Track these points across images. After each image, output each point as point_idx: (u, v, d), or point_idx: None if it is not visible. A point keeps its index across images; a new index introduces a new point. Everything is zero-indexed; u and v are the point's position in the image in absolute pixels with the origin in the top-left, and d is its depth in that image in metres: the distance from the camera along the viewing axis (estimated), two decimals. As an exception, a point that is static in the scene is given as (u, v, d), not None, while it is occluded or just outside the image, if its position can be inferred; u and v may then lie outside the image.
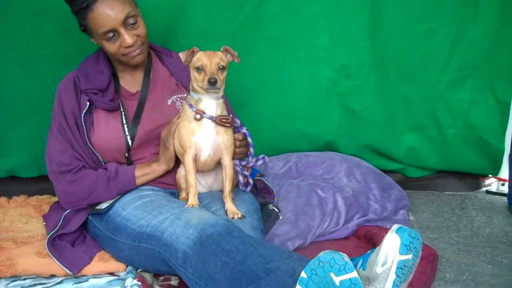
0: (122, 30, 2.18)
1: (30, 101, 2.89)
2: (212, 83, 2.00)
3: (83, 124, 2.24)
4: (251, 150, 2.27)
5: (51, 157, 2.27)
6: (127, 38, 2.19)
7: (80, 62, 2.38)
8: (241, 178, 2.25)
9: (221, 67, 2.05)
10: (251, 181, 2.30)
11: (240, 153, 2.25)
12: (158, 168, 2.27)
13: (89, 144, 2.25)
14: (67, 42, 2.75)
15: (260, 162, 2.29)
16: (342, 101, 3.13)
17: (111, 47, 2.21)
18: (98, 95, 2.25)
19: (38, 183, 3.00)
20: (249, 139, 2.25)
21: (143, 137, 2.30)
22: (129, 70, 2.39)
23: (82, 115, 2.23)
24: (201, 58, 2.05)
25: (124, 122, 2.29)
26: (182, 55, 2.09)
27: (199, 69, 2.04)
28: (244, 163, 2.28)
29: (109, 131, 2.27)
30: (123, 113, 2.30)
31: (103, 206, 2.22)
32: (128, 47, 2.22)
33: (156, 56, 2.49)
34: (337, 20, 2.96)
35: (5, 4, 2.71)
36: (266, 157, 2.30)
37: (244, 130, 2.26)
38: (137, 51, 2.25)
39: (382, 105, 3.13)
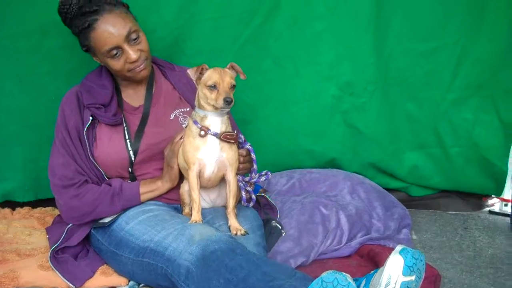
0: (125, 46, 2.19)
1: (27, 119, 2.81)
2: (229, 102, 1.99)
3: (85, 138, 2.24)
4: (255, 166, 2.27)
5: (54, 171, 2.27)
6: (132, 53, 2.21)
7: (81, 78, 2.39)
8: (243, 194, 2.26)
9: (232, 85, 2.05)
10: (253, 197, 2.30)
11: (243, 169, 2.25)
12: (162, 186, 2.28)
13: (92, 159, 2.25)
14: (69, 59, 2.72)
15: (263, 178, 2.29)
16: (346, 118, 3.13)
17: (116, 64, 2.22)
18: (101, 110, 2.26)
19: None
20: (253, 155, 2.26)
21: (146, 151, 2.30)
22: (132, 85, 2.39)
23: (85, 130, 2.23)
24: (212, 76, 2.03)
25: (127, 137, 2.29)
26: (191, 72, 2.08)
27: (211, 87, 2.03)
28: (247, 179, 2.28)
29: (111, 146, 2.28)
30: (125, 128, 2.30)
31: (107, 220, 2.22)
32: (133, 62, 2.23)
33: (159, 70, 2.49)
34: (342, 38, 2.98)
35: (6, 18, 2.67)
36: (269, 173, 2.30)
37: (248, 146, 2.26)
38: (141, 66, 2.26)
39: (386, 123, 3.14)
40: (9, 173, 2.89)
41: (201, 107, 2.10)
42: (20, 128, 2.83)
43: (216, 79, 2.02)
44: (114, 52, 2.19)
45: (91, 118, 2.25)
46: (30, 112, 2.80)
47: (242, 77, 2.11)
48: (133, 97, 2.40)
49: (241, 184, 2.24)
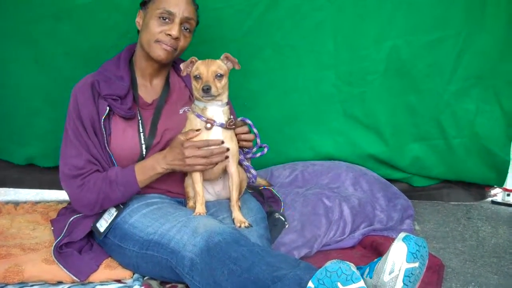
0: (176, 21, 2.27)
1: (47, 96, 3.01)
2: (205, 90, 2.02)
3: (102, 128, 2.23)
4: (255, 130, 2.30)
5: (65, 161, 2.24)
6: (176, 29, 2.27)
7: (95, 61, 2.42)
8: (252, 171, 2.31)
9: (218, 75, 2.08)
10: (255, 173, 2.34)
11: (246, 139, 2.27)
12: (158, 166, 2.19)
13: (108, 149, 2.24)
14: (83, 42, 2.87)
15: (265, 150, 2.33)
16: (345, 107, 3.16)
17: (156, 27, 2.27)
18: (117, 102, 2.25)
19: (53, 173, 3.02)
20: (248, 121, 2.29)
21: (158, 145, 2.30)
22: (148, 78, 2.41)
23: (102, 120, 2.22)
24: (198, 67, 2.09)
25: (141, 131, 2.29)
26: (182, 66, 2.15)
27: (197, 78, 2.08)
28: (253, 151, 2.32)
29: (125, 139, 2.26)
30: (140, 121, 2.30)
31: (102, 228, 2.19)
32: (168, 35, 2.27)
33: (173, 68, 2.51)
34: (342, 27, 2.99)
35: (21, 4, 2.81)
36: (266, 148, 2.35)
37: (241, 118, 2.30)
38: (168, 47, 2.29)
39: (387, 114, 3.14)
40: (33, 140, 3.16)
41: (196, 98, 2.14)
42: (41, 103, 3.05)
43: (201, 70, 2.07)
44: (166, 16, 2.26)
45: (108, 108, 2.24)
46: (49, 90, 3.00)
47: (236, 67, 2.15)
48: (148, 92, 2.41)
49: (246, 164, 2.29)
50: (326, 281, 1.55)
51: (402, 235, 1.67)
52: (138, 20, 2.38)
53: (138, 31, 2.39)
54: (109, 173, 2.20)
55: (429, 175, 3.27)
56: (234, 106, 2.50)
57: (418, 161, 3.21)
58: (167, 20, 2.27)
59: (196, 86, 2.09)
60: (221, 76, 2.09)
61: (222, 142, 2.13)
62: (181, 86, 2.47)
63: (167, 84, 2.43)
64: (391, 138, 3.17)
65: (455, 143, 3.13)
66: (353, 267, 1.58)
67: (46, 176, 3.19)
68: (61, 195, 3.07)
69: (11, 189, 3.25)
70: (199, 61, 2.11)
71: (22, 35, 2.88)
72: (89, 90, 2.27)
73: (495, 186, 3.35)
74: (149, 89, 2.41)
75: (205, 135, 2.11)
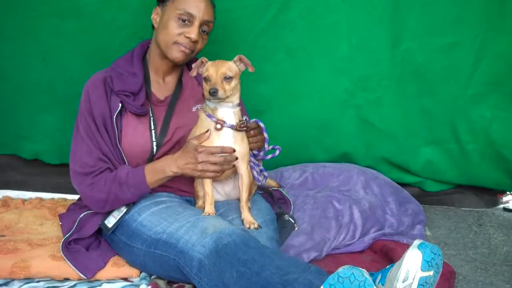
0: (196, 24, 2.25)
1: (55, 92, 3.02)
2: (212, 93, 2.01)
3: (114, 125, 2.20)
4: (265, 135, 2.26)
5: (75, 158, 2.22)
6: (195, 33, 2.25)
7: (102, 60, 2.41)
8: (255, 173, 2.25)
9: (227, 77, 2.05)
10: (266, 174, 2.32)
11: (256, 142, 2.25)
12: (167, 167, 2.16)
13: (120, 147, 2.22)
14: (88, 40, 2.88)
15: (277, 152, 2.30)
16: (359, 112, 3.11)
17: (175, 29, 2.24)
18: (129, 98, 2.23)
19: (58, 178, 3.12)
20: (261, 124, 2.25)
21: (169, 143, 2.28)
22: (161, 75, 2.39)
23: (114, 117, 2.20)
24: (208, 68, 2.07)
25: (152, 128, 2.27)
26: (194, 66, 2.14)
27: (206, 79, 2.07)
28: (261, 154, 2.29)
29: (136, 136, 2.25)
30: (152, 118, 2.28)
31: (110, 224, 2.18)
32: (187, 39, 2.25)
33: (186, 66, 2.49)
34: (356, 31, 2.95)
35: (27, 2, 2.83)
36: (278, 148, 2.31)
37: (254, 119, 2.27)
38: (186, 49, 2.27)
39: (401, 118, 3.10)
40: (39, 136, 3.17)
41: (207, 99, 2.12)
42: (47, 99, 3.07)
43: (210, 71, 2.05)
44: (185, 18, 2.23)
45: (120, 104, 2.22)
46: (55, 87, 3.02)
47: (250, 69, 2.12)
48: (161, 89, 2.39)
49: (251, 164, 2.24)
50: (338, 286, 1.53)
51: (417, 242, 1.64)
52: (154, 16, 2.34)
53: (153, 27, 2.36)
54: (119, 173, 2.17)
55: (442, 179, 3.22)
56: (246, 109, 2.49)
57: (431, 165, 3.17)
58: (186, 22, 2.24)
59: (205, 87, 2.08)
60: (230, 78, 2.06)
61: (234, 151, 2.11)
62: (194, 84, 2.45)
63: (180, 81, 2.41)
64: (404, 141, 3.14)
65: (469, 148, 3.08)
66: (366, 273, 1.56)
67: (50, 181, 3.19)
68: (67, 197, 3.06)
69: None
70: (210, 62, 2.09)
71: (29, 33, 2.90)
72: (102, 86, 2.25)
73: (507, 192, 3.30)
74: (162, 86, 2.39)
75: (215, 136, 2.09)
